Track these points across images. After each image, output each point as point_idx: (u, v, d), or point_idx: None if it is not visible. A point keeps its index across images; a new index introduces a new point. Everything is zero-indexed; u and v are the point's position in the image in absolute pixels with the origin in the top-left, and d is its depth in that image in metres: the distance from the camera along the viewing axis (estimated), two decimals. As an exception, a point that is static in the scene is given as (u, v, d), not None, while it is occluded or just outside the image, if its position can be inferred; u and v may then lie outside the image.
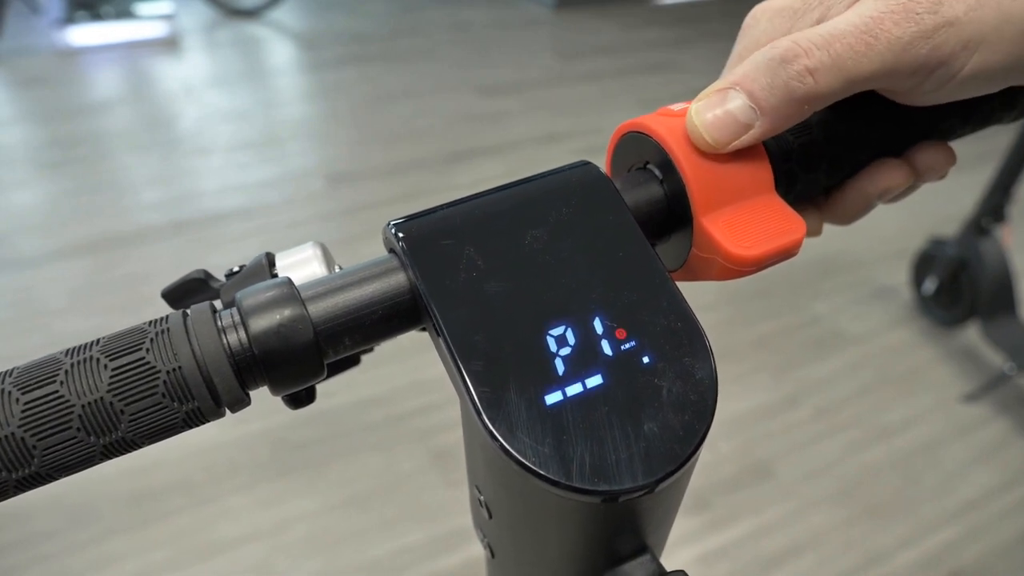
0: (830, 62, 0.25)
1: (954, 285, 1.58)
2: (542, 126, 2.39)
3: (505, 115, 2.44)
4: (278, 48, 2.93)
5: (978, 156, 1.84)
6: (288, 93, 2.60)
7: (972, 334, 1.62)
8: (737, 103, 0.26)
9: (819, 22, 0.27)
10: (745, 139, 0.26)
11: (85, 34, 2.67)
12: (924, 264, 1.66)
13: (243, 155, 2.15)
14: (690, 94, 0.28)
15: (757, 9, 0.30)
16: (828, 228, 0.35)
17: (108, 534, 1.17)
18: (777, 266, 0.28)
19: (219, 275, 0.33)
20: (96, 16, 2.68)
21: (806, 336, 1.64)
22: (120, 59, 2.66)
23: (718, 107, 0.26)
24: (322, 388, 0.30)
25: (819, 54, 0.25)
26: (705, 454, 1.36)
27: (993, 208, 1.47)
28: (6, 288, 1.62)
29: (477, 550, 1.18)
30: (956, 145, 0.34)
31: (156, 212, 1.89)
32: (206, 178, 2.05)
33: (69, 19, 2.64)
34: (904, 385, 1.54)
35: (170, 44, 2.78)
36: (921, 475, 1.36)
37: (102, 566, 1.13)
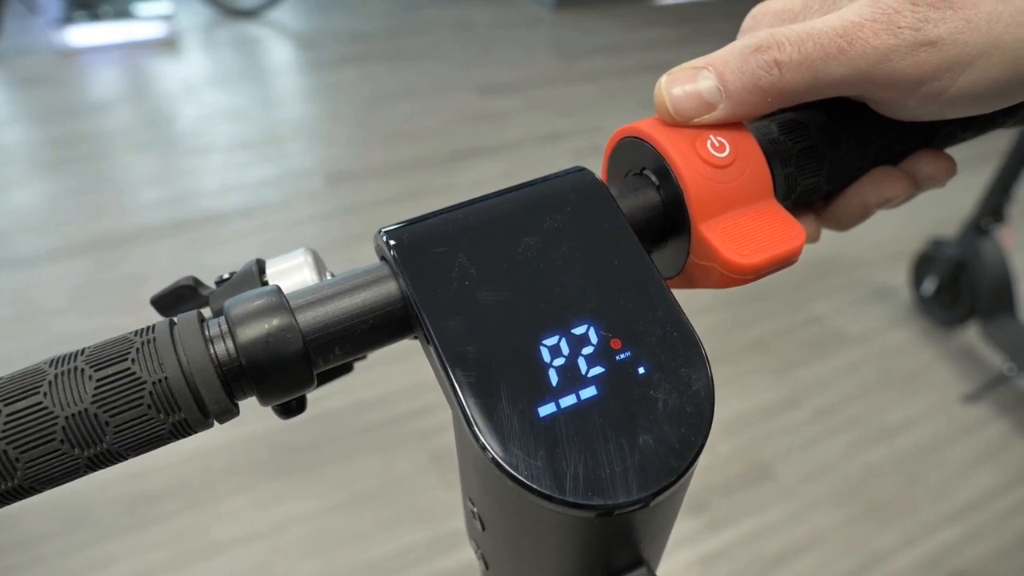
0: (799, 59, 0.25)
1: (954, 286, 1.58)
2: (543, 126, 2.38)
3: (505, 115, 2.44)
4: (278, 48, 2.92)
5: (978, 157, 1.83)
6: (288, 92, 2.60)
7: (972, 334, 1.62)
8: (707, 84, 0.26)
9: None
10: (706, 118, 0.27)
11: (84, 34, 2.66)
12: (924, 264, 1.66)
13: (243, 154, 2.14)
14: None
15: (757, 10, 0.30)
16: (827, 230, 0.35)
17: (106, 536, 1.17)
18: (776, 265, 0.28)
19: (214, 277, 0.33)
20: (95, 16, 2.67)
21: (806, 337, 1.63)
22: (119, 59, 2.66)
23: (688, 83, 0.27)
24: (320, 390, 0.30)
25: (790, 49, 0.25)
26: (704, 455, 1.35)
27: (993, 209, 1.47)
28: (6, 288, 1.62)
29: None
30: (956, 145, 0.34)
31: (156, 211, 1.89)
32: (206, 177, 2.05)
33: (68, 19, 2.63)
34: (904, 386, 1.53)
35: (169, 44, 2.77)
36: (921, 476, 1.36)
37: (100, 568, 1.13)
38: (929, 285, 1.63)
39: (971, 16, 0.24)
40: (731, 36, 0.31)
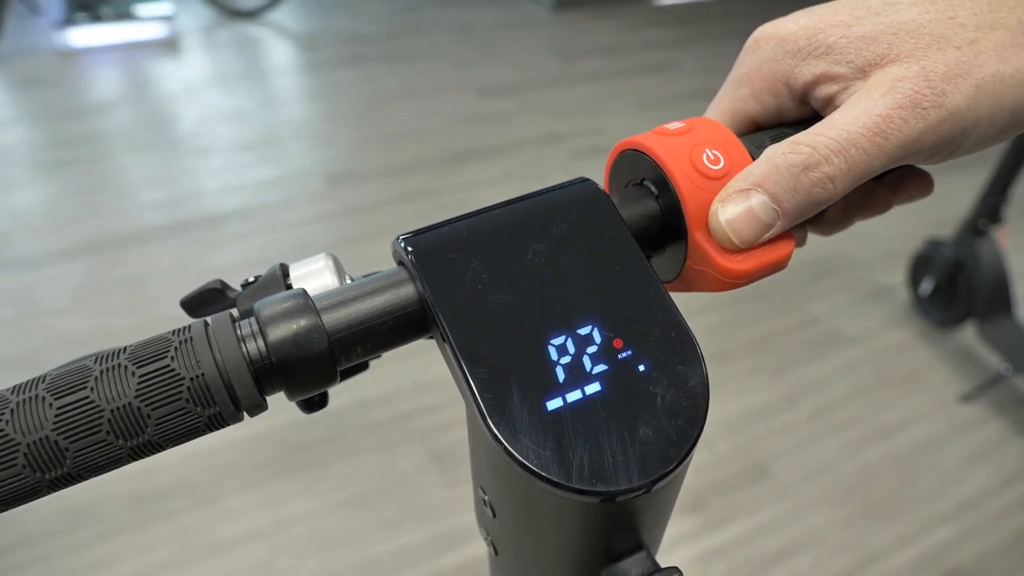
0: (847, 168, 0.26)
1: (951, 286, 1.59)
2: (542, 127, 2.39)
3: (505, 116, 2.45)
4: (278, 49, 2.93)
5: (974, 158, 1.84)
6: (288, 93, 2.61)
7: (969, 335, 1.63)
8: (758, 202, 0.27)
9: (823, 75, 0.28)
10: (766, 237, 0.27)
11: (85, 35, 2.68)
12: (921, 265, 1.67)
13: (243, 155, 2.15)
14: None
15: (760, 35, 0.30)
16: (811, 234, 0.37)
17: (109, 534, 1.18)
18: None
19: (221, 276, 0.35)
20: (96, 17, 2.69)
21: (804, 337, 1.65)
22: (120, 60, 2.67)
23: (740, 204, 0.27)
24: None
25: (837, 161, 0.26)
26: (703, 454, 1.37)
27: (989, 210, 1.48)
28: (7, 288, 1.63)
29: (476, 549, 1.19)
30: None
31: (156, 212, 1.90)
32: (206, 178, 2.06)
33: (69, 20, 2.64)
34: (901, 385, 1.55)
35: (170, 45, 2.79)
36: (918, 475, 1.37)
37: (103, 566, 1.14)
38: (927, 285, 1.65)
39: (979, 81, 0.25)
40: (730, 37, 0.32)
